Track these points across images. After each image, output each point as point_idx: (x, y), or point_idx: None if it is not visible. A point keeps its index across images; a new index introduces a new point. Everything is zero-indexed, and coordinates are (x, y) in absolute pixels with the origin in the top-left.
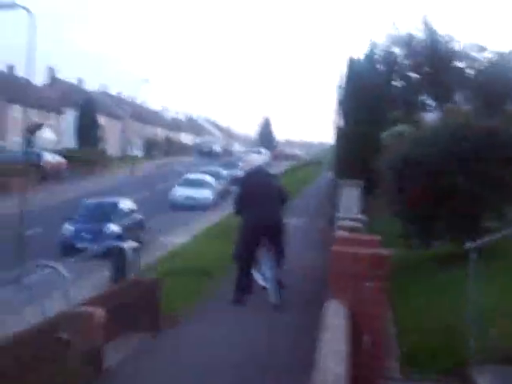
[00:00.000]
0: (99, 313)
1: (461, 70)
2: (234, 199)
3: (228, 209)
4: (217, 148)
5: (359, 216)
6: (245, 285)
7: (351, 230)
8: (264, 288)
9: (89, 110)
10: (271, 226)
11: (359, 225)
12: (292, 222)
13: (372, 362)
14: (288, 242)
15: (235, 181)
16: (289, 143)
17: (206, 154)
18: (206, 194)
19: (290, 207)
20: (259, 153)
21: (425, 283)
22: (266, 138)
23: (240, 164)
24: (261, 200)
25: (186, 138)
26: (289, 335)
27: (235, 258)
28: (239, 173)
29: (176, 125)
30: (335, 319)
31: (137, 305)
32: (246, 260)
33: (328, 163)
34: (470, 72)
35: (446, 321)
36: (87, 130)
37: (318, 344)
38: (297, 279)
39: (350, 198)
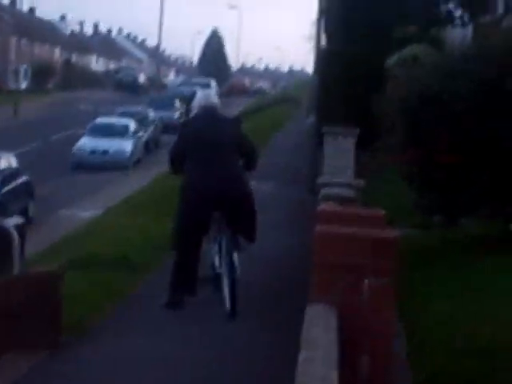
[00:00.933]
0: None
1: None
2: (169, 152)
3: (161, 167)
4: (142, 78)
5: (354, 181)
6: (184, 282)
7: (343, 200)
8: (216, 288)
9: None
10: (228, 195)
11: (354, 194)
12: (256, 187)
13: None
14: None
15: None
16: (246, 72)
17: (126, 87)
18: (123, 147)
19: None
20: (208, 86)
21: (454, 279)
22: (215, 63)
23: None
24: (211, 155)
25: (97, 64)
26: (249, 357)
27: (173, 245)
28: (176, 116)
29: (81, 43)
30: (320, 332)
31: (25, 311)
32: (186, 246)
33: (307, 102)
34: None
35: (484, 335)
36: None
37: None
38: (264, 274)
39: (341, 153)
